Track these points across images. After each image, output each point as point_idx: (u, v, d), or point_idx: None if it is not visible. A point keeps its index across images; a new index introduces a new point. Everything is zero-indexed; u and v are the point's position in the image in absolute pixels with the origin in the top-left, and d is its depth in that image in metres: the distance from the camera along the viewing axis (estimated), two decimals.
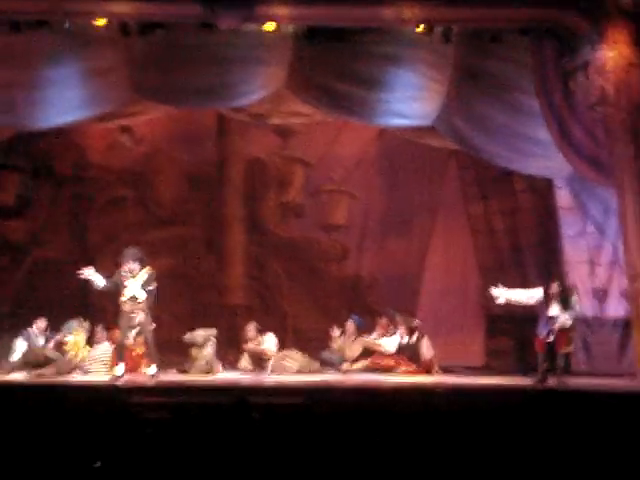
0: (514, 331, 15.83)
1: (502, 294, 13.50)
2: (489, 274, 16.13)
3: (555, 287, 13.40)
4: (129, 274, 12.94)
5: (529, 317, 15.64)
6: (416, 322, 15.04)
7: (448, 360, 14.98)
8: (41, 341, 14.20)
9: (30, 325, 14.31)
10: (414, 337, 14.99)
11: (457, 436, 8.17)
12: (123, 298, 12.95)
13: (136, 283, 12.94)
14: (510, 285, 15.75)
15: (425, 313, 15.98)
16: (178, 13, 13.11)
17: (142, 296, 12.92)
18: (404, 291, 14.81)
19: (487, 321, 16.22)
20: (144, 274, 12.96)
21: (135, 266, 12.94)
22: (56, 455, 8.28)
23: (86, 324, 14.55)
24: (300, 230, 17.37)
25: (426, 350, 14.87)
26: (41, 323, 14.32)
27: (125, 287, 12.93)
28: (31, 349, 14.04)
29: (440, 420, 9.02)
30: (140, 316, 12.94)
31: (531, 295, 13.48)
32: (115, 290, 12.99)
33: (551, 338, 13.20)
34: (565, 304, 13.24)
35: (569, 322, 13.20)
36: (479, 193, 16.53)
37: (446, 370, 14.75)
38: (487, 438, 8.14)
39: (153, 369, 13.07)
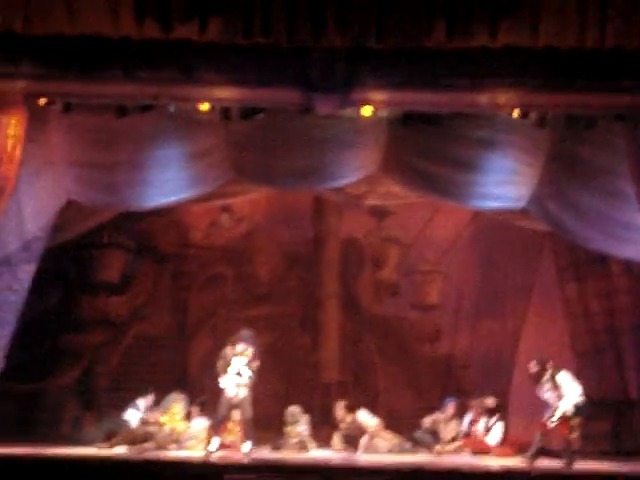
0: (609, 415, 15.63)
1: None
2: (584, 358, 16.01)
3: (533, 367, 13.40)
4: (238, 353, 13.37)
5: (624, 401, 15.51)
6: (492, 402, 14.96)
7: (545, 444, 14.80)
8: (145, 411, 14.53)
9: (131, 400, 14.65)
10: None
11: None
12: (227, 375, 13.33)
13: (241, 361, 13.40)
14: (607, 370, 15.65)
15: (519, 397, 15.84)
16: (278, 98, 13.37)
17: (246, 374, 13.35)
18: (497, 373, 14.73)
19: None
20: (249, 353, 13.44)
21: (245, 347, 13.44)
22: None
23: (184, 398, 14.81)
24: (394, 309, 17.47)
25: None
26: (150, 397, 14.67)
27: (230, 365, 13.38)
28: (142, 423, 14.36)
29: None
30: (242, 393, 13.31)
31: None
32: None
33: (551, 424, 13.12)
34: (555, 386, 13.12)
35: (568, 408, 13.05)
36: (574, 275, 16.43)
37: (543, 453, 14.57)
38: None
39: (248, 446, 13.29)
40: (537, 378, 13.39)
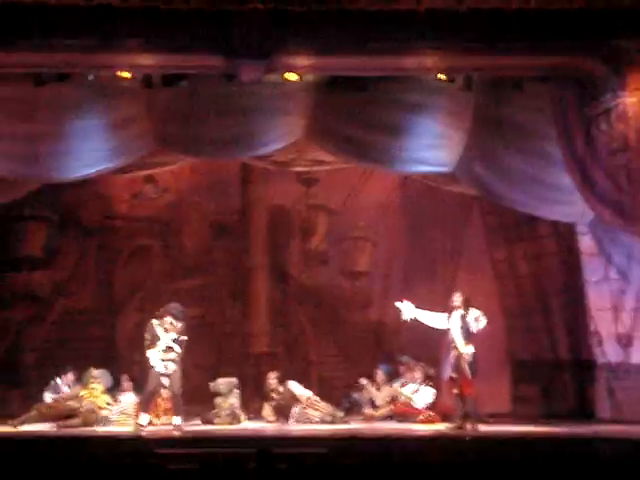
0: (540, 377, 15.77)
1: (409, 310, 13.40)
2: (514, 319, 16.11)
3: (457, 300, 13.50)
4: (166, 327, 13.16)
5: (556, 362, 15.65)
6: (432, 371, 15.02)
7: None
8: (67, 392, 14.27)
9: (57, 376, 14.39)
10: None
11: None
12: (156, 349, 13.10)
13: (170, 335, 13.23)
14: (536, 331, 15.78)
15: None
16: (200, 65, 13.20)
17: (176, 348, 13.20)
18: (428, 338, 14.72)
19: (513, 367, 16.13)
20: (177, 326, 13.28)
21: (174, 320, 13.26)
22: None
23: (104, 373, 14.57)
24: (324, 278, 17.37)
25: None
26: (70, 375, 14.40)
27: (159, 338, 13.16)
28: (55, 400, 14.10)
29: (463, 470, 9.00)
30: (170, 367, 13.10)
31: (438, 320, 13.42)
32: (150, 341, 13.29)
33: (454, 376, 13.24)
34: (465, 326, 13.26)
35: (470, 352, 13.15)
36: (503, 238, 16.50)
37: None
38: None
39: (178, 420, 13.14)
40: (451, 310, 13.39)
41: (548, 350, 15.95)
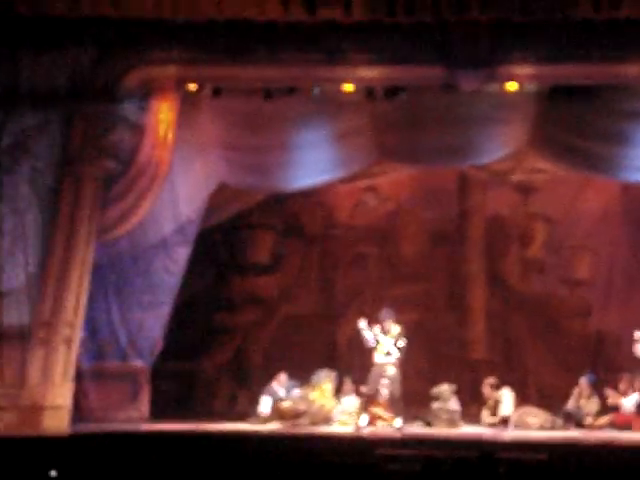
0: None
1: None
2: None
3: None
4: (384, 331, 13.59)
5: None
6: None
7: None
8: (282, 394, 14.72)
9: (273, 380, 14.92)
10: None
11: None
12: (378, 353, 13.57)
13: (389, 340, 13.59)
14: None
15: None
16: (421, 76, 13.41)
17: (395, 352, 13.57)
18: None
19: None
20: (396, 331, 13.60)
21: (390, 325, 13.61)
22: None
23: (333, 375, 15.02)
24: (542, 285, 17.30)
25: None
26: (282, 377, 14.91)
27: (380, 343, 13.57)
28: (276, 403, 14.59)
29: None
30: (391, 370, 13.54)
31: None
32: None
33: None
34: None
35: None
36: None
37: None
38: None
39: (399, 422, 13.43)
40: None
41: None
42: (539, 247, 17.35)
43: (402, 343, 13.67)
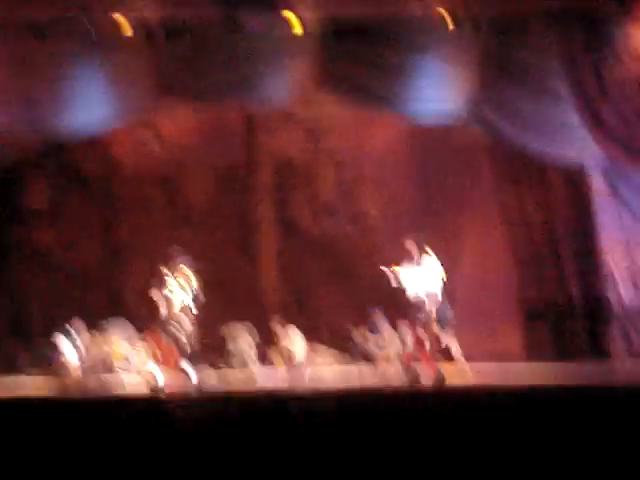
0: (551, 323, 15.72)
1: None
2: (525, 267, 16.03)
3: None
4: (177, 279, 13.28)
5: (566, 308, 15.60)
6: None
7: (485, 353, 14.83)
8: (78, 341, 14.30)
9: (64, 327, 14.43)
10: None
11: None
12: (170, 302, 13.25)
13: (183, 288, 13.30)
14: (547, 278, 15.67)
15: (461, 306, 15.83)
16: (202, 16, 13.18)
17: (189, 300, 13.22)
18: None
19: (524, 314, 16.08)
20: (191, 279, 13.30)
21: (184, 271, 13.31)
22: None
23: (123, 324, 14.69)
24: (333, 228, 17.36)
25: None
26: (77, 323, 14.47)
27: (173, 292, 13.27)
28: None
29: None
30: (184, 318, 13.22)
31: None
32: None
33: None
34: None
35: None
36: (513, 186, 16.39)
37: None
38: None
39: (192, 372, 13.13)
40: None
41: (560, 296, 15.88)
42: (329, 189, 17.37)
43: (197, 291, 13.35)
